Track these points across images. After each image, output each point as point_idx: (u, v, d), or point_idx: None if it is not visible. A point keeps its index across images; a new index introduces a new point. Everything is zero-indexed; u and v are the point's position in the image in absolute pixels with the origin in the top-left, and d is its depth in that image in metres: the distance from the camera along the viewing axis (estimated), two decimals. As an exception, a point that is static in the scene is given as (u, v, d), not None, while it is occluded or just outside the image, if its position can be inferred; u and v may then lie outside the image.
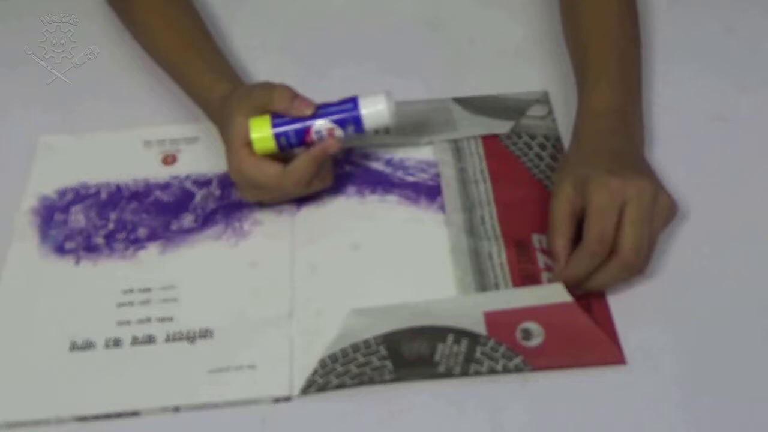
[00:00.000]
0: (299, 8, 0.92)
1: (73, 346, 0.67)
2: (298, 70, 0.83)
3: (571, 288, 0.66)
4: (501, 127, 0.79)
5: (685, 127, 0.79)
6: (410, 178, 0.76)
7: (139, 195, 0.76)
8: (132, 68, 0.86)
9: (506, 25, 0.89)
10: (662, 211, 0.66)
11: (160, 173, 0.78)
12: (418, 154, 0.78)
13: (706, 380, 0.64)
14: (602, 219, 0.64)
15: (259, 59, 0.86)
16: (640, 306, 0.67)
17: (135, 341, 0.68)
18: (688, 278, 0.69)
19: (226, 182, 0.76)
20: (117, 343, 0.68)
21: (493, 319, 0.66)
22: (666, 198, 0.66)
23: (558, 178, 0.69)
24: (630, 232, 0.64)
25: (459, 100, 0.82)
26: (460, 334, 0.65)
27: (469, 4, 0.91)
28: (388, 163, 0.77)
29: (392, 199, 0.75)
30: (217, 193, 0.76)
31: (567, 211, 0.67)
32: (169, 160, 0.79)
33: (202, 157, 0.79)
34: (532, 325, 0.65)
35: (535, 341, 0.65)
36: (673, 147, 0.77)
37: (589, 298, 0.67)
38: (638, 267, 0.65)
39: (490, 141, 0.78)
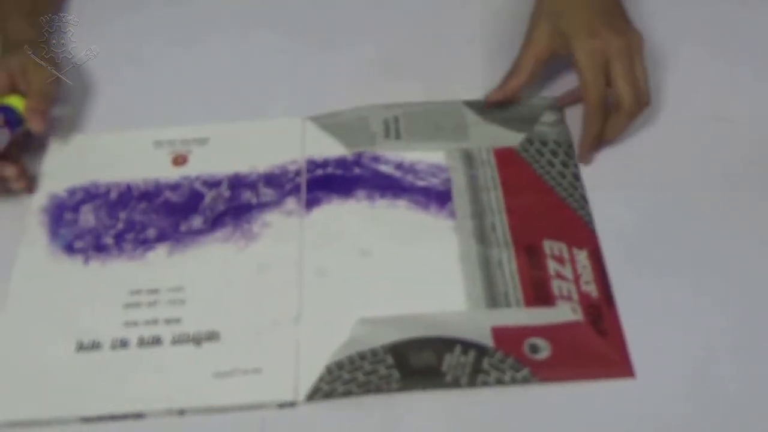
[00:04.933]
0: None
1: (80, 346, 0.67)
2: (291, 60, 0.84)
3: (592, 146, 0.75)
4: (513, 139, 0.78)
5: (685, 127, 0.78)
6: (420, 183, 0.76)
7: (149, 195, 0.76)
8: (144, 68, 0.86)
9: (507, 24, 0.87)
10: (639, 51, 0.75)
11: (170, 174, 0.78)
12: (429, 157, 0.77)
13: (715, 389, 0.63)
14: (595, 80, 0.73)
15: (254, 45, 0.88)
16: (650, 314, 0.67)
17: (142, 342, 0.68)
18: (696, 283, 0.69)
19: (236, 184, 0.76)
20: (124, 344, 0.68)
21: (500, 334, 0.66)
22: (637, 39, 0.75)
23: (533, 21, 0.77)
24: (623, 85, 0.73)
25: (470, 104, 0.81)
26: (467, 345, 0.65)
27: (469, 4, 0.91)
28: (399, 167, 0.77)
29: (402, 204, 0.74)
30: (227, 194, 0.76)
31: (536, 57, 0.77)
32: (179, 160, 0.79)
33: (212, 158, 0.78)
34: (540, 341, 0.65)
35: (543, 354, 0.65)
36: (672, 147, 0.77)
37: (600, 309, 0.67)
38: (641, 107, 0.75)
39: (502, 149, 0.78)
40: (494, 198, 0.74)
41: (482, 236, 0.71)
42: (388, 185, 0.75)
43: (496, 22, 0.87)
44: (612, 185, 0.75)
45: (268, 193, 0.76)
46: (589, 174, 0.76)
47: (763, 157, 0.76)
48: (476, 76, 0.83)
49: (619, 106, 0.74)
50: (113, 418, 0.64)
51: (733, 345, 0.66)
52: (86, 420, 0.64)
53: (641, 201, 0.74)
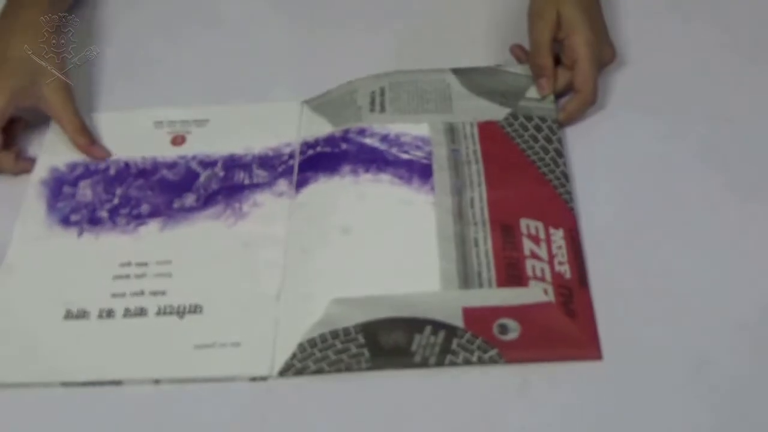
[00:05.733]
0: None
1: (68, 315, 0.69)
2: (294, 44, 0.87)
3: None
4: (497, 113, 0.78)
5: (684, 128, 0.78)
6: (404, 156, 0.75)
7: (146, 172, 0.78)
8: (148, 49, 0.88)
9: (515, 16, 0.86)
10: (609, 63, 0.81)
11: (168, 153, 0.80)
12: (414, 129, 0.77)
13: (685, 375, 0.64)
14: (591, 74, 0.77)
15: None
16: (625, 296, 0.67)
17: (127, 313, 0.69)
18: (679, 276, 0.69)
19: (230, 164, 0.78)
20: (110, 314, 0.70)
21: (471, 314, 0.66)
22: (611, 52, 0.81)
23: (538, 6, 0.79)
24: (595, 80, 0.78)
25: (457, 71, 0.81)
26: (437, 326, 0.65)
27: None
28: (384, 139, 0.77)
29: (385, 178, 0.74)
30: (221, 174, 0.78)
31: (551, 35, 0.78)
32: (178, 140, 0.81)
33: (210, 139, 0.80)
34: (509, 322, 0.66)
35: (511, 335, 0.65)
36: (673, 146, 0.77)
37: (572, 290, 0.67)
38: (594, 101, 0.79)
39: (486, 123, 0.77)
40: (475, 171, 0.74)
41: (460, 213, 0.71)
42: (372, 159, 0.75)
43: (507, 11, 0.88)
44: (600, 171, 0.75)
45: (261, 175, 0.77)
46: (578, 159, 0.76)
47: (761, 156, 0.76)
48: (465, 58, 0.84)
49: (579, 91, 0.78)
50: (92, 384, 0.66)
51: (704, 327, 0.66)
52: (66, 385, 0.66)
53: (628, 187, 0.74)
